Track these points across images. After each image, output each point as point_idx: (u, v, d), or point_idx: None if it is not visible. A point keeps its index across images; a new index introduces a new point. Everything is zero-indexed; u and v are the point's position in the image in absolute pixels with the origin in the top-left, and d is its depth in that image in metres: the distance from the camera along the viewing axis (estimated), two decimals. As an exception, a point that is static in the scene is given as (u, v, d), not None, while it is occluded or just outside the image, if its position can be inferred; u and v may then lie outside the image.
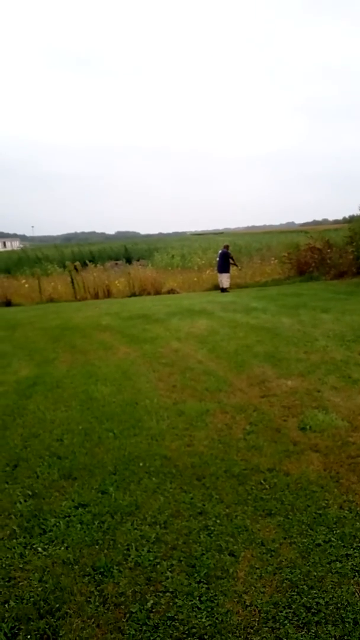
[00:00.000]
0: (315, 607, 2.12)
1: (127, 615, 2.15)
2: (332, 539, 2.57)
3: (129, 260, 28.70)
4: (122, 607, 2.20)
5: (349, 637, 1.96)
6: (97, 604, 2.22)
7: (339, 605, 2.12)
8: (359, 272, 15.37)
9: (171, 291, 16.94)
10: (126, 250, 35.33)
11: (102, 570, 2.43)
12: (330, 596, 2.18)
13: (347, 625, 2.01)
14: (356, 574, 2.31)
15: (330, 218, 70.26)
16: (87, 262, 19.89)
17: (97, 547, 2.62)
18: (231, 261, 16.08)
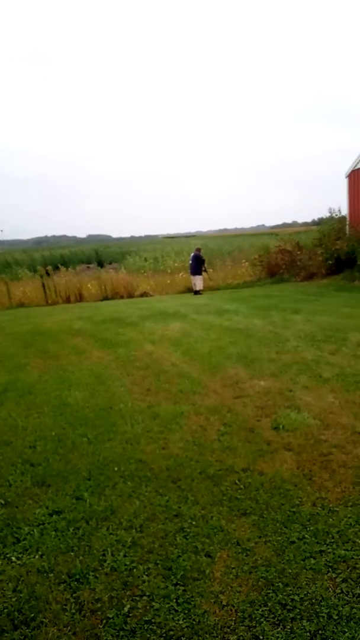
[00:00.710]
0: (290, 603, 2.15)
1: (104, 621, 2.13)
2: (306, 536, 2.61)
3: (100, 264, 28.52)
4: (99, 613, 2.18)
5: (323, 632, 2.00)
6: (73, 611, 2.19)
7: (313, 600, 2.16)
8: (328, 274, 15.71)
9: (144, 294, 16.93)
10: (98, 254, 35.11)
11: (77, 577, 2.41)
12: (305, 592, 2.21)
13: (322, 620, 2.05)
14: (329, 569, 2.35)
15: (300, 220, 71.60)
16: (59, 265, 19.66)
17: (72, 554, 2.59)
18: (203, 266, 16.19)
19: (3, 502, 3.13)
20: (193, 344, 7.12)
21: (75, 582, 2.37)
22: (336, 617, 2.06)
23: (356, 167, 16.37)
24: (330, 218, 17.48)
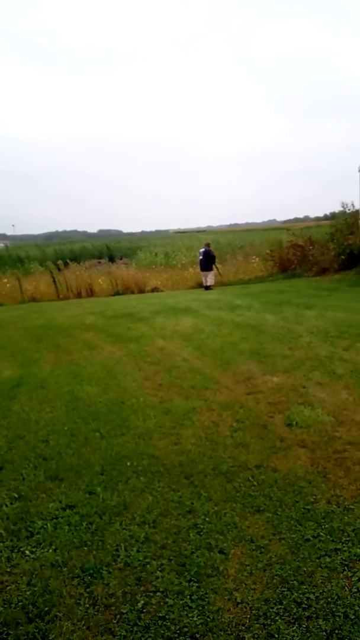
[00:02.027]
0: (305, 602, 2.13)
1: (118, 616, 2.13)
2: (321, 533, 2.58)
3: (111, 259, 28.52)
4: (113, 608, 2.18)
5: (340, 631, 1.97)
6: (87, 605, 2.20)
7: (329, 599, 2.14)
8: (340, 269, 15.53)
9: (155, 289, 16.91)
10: (108, 249, 35.13)
11: (91, 571, 2.41)
12: (320, 591, 2.19)
13: (338, 619, 2.03)
14: (345, 568, 2.33)
15: (312, 215, 70.97)
16: (67, 261, 19.69)
17: (85, 548, 2.59)
18: (214, 262, 16.10)
19: (17, 495, 3.14)
20: (204, 340, 7.09)
21: (89, 577, 2.37)
22: (352, 617, 2.03)
23: (370, 161, 16.14)
24: (343, 212, 17.25)
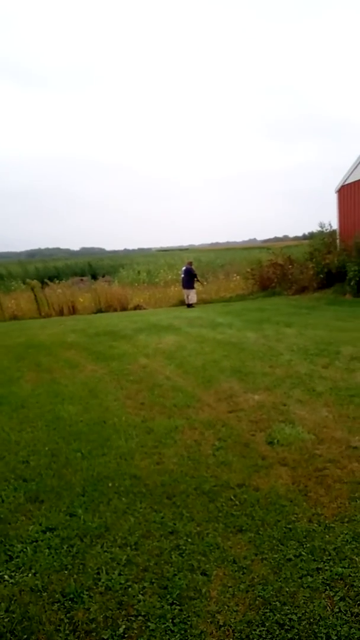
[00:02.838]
0: (288, 623, 2.13)
1: (99, 642, 2.09)
2: (303, 553, 2.59)
3: (94, 277, 28.48)
4: (93, 634, 2.14)
5: (322, 652, 1.97)
6: (67, 632, 2.15)
7: (311, 620, 2.14)
8: (319, 288, 15.82)
9: (137, 307, 16.93)
10: (91, 267, 35.11)
11: (71, 596, 2.37)
12: (303, 611, 2.19)
13: (320, 640, 2.03)
14: (327, 587, 2.33)
15: (291, 235, 72.29)
16: (45, 280, 19.59)
17: (66, 572, 2.55)
18: (196, 278, 16.25)
19: (-5, 519, 3.08)
20: (187, 358, 7.11)
21: (70, 602, 2.33)
22: (335, 638, 2.04)
23: (345, 183, 16.60)
24: (321, 232, 17.65)
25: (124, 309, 16.81)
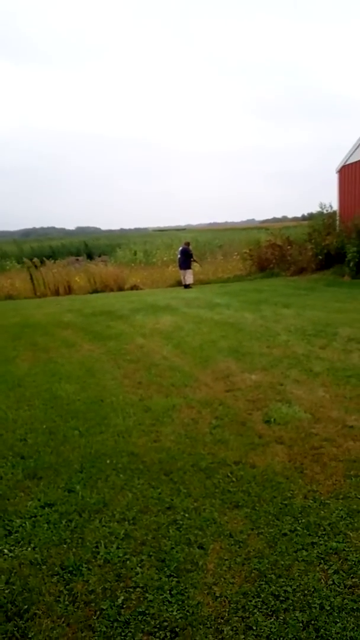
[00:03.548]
0: (283, 594, 2.17)
1: (98, 612, 2.13)
2: (298, 528, 2.63)
3: (90, 257, 28.30)
4: (92, 604, 2.18)
5: (316, 622, 2.02)
6: (66, 603, 2.19)
7: (305, 592, 2.18)
8: (318, 269, 15.78)
9: (134, 287, 16.88)
10: (87, 246, 34.86)
11: (70, 569, 2.40)
12: (297, 583, 2.24)
13: (314, 611, 2.07)
14: (321, 561, 2.38)
15: (290, 215, 71.81)
16: (44, 259, 19.45)
17: (65, 546, 2.59)
18: (192, 259, 16.17)
19: (-6, 494, 3.11)
20: (184, 338, 7.12)
21: (69, 574, 2.37)
22: (328, 608, 2.08)
23: (346, 163, 16.42)
24: (321, 213, 17.53)
25: (120, 289, 16.77)
